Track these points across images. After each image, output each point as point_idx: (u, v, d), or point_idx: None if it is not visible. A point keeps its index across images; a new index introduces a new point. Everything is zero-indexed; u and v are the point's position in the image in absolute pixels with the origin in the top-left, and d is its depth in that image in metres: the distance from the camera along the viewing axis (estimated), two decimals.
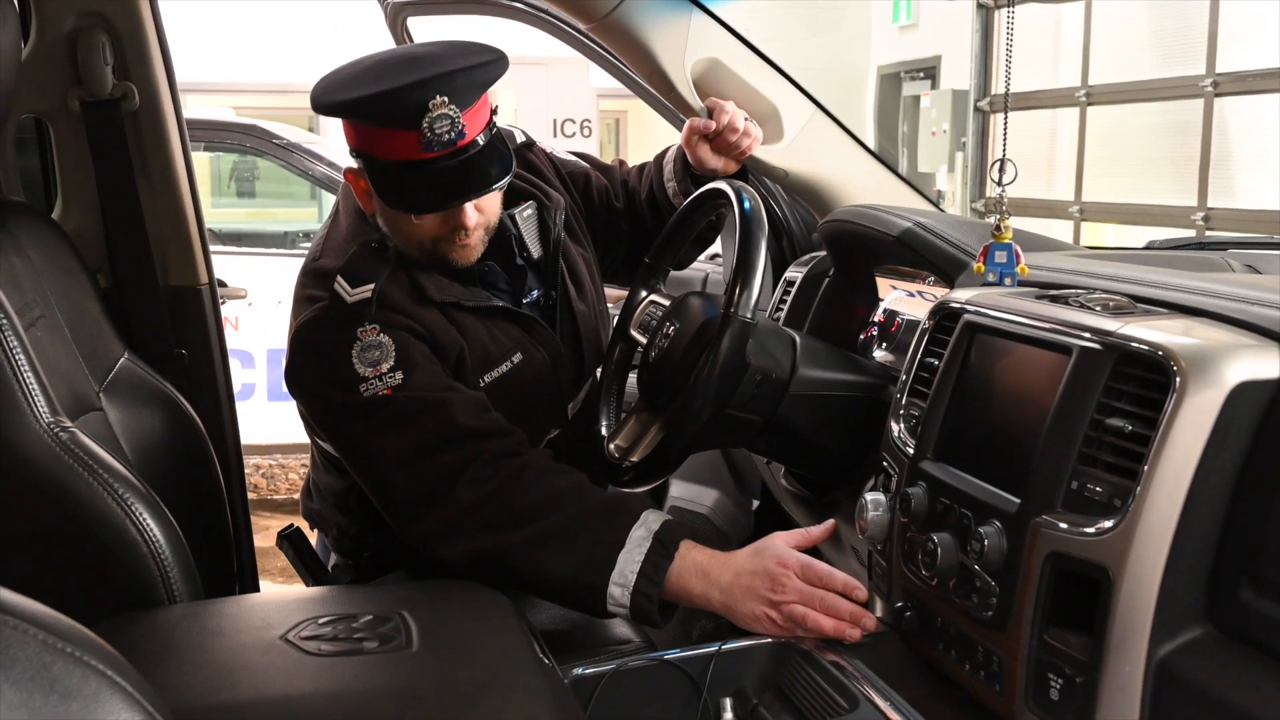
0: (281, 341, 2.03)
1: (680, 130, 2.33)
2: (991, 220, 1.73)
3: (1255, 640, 1.13)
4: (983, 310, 1.53)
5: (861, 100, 11.93)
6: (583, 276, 2.17)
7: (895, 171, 2.54)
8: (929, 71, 11.08)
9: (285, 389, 2.00)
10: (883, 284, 2.21)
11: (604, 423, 2.05)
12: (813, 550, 2.31)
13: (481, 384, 1.96)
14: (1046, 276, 1.70)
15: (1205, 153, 6.79)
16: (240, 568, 2.37)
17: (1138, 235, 7.12)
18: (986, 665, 1.38)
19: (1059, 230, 7.91)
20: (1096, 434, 1.26)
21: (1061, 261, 1.80)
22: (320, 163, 5.88)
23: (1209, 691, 1.14)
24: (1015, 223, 1.71)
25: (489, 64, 1.87)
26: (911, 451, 1.58)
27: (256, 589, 2.54)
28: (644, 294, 2.10)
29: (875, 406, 1.88)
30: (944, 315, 1.62)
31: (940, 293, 1.87)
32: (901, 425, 1.64)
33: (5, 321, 1.54)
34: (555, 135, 13.00)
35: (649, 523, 1.76)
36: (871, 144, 2.45)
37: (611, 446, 1.98)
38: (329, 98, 1.86)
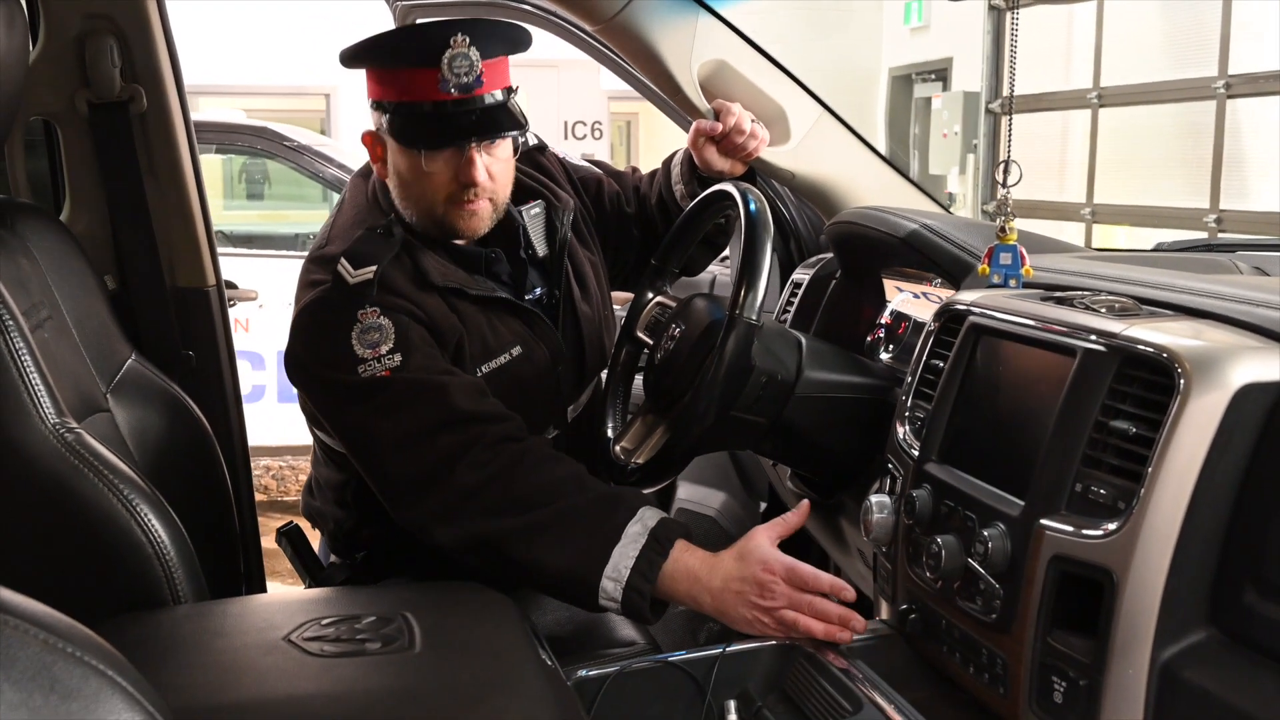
0: None
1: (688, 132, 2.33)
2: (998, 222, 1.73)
3: (1259, 644, 1.13)
4: (988, 312, 1.53)
5: (873, 102, 11.92)
6: (588, 279, 2.17)
7: (902, 173, 2.54)
8: (940, 73, 11.08)
9: (287, 377, 2.00)
10: (890, 286, 2.20)
11: (610, 424, 2.05)
12: (820, 553, 2.32)
13: (479, 373, 1.96)
14: (1051, 278, 1.69)
15: (1217, 155, 6.76)
16: (247, 569, 2.37)
17: (1150, 237, 7.10)
18: (990, 668, 1.38)
19: (1071, 232, 7.89)
20: (1101, 436, 1.26)
21: (1067, 263, 1.80)
22: (331, 165, 5.89)
23: (1213, 695, 1.13)
24: (1026, 225, 1.71)
25: (513, 25, 1.97)
26: (916, 454, 1.58)
27: (263, 590, 2.55)
28: (650, 296, 2.10)
29: (881, 408, 1.87)
30: (949, 317, 1.62)
31: (946, 294, 1.87)
32: (906, 427, 1.64)
33: (11, 323, 1.54)
34: (566, 137, 13.01)
35: (645, 519, 1.77)
36: (883, 146, 2.45)
37: (617, 448, 1.98)
38: (355, 48, 1.95)
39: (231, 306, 3.67)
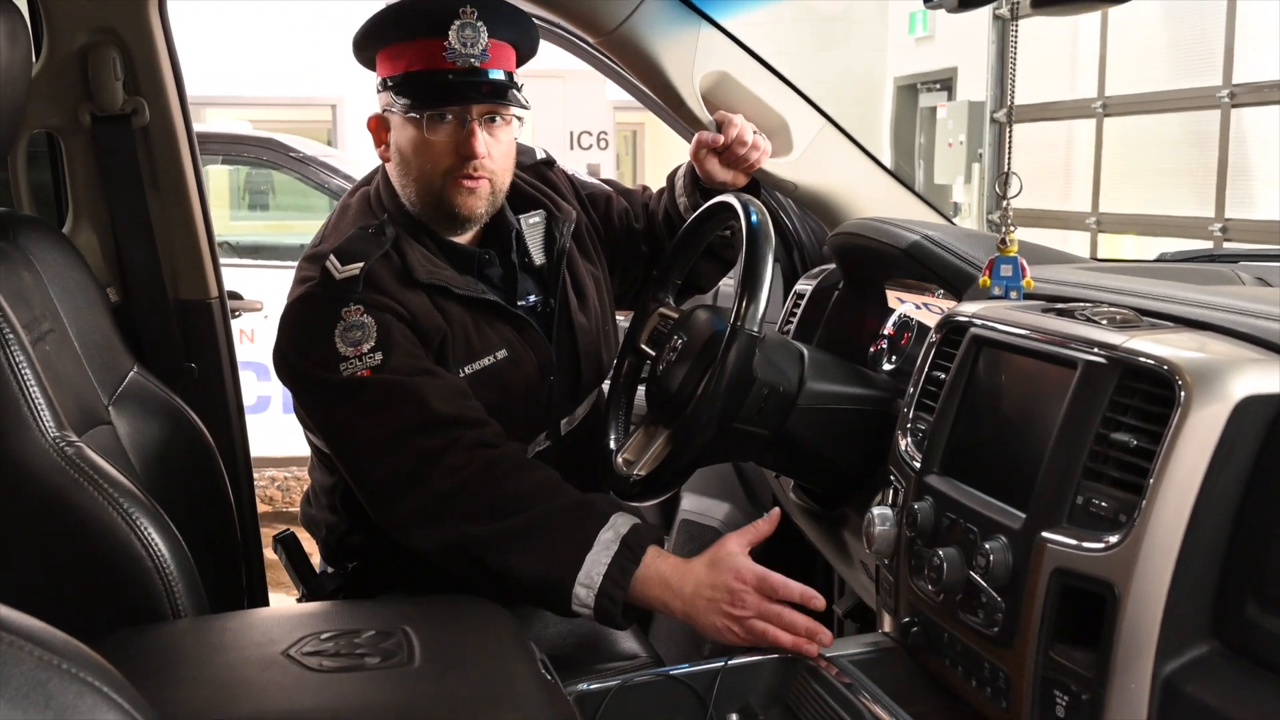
0: None
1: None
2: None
3: (1261, 657, 1.12)
4: (989, 324, 1.53)
5: (878, 111, 11.94)
6: (587, 291, 2.17)
7: (904, 183, 2.53)
8: (945, 83, 11.09)
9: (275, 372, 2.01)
10: (892, 296, 2.20)
11: (612, 436, 2.05)
12: (822, 562, 2.31)
13: (462, 374, 1.97)
14: (1053, 289, 1.69)
15: (1222, 164, 6.77)
16: (248, 581, 2.37)
17: (1155, 246, 7.10)
18: (993, 681, 1.37)
19: (1076, 241, 7.90)
20: (1102, 448, 1.26)
21: (1068, 274, 1.80)
22: (337, 176, 5.90)
23: (1215, 709, 1.13)
24: (1032, 234, 1.71)
25: (521, 12, 2.02)
26: (918, 465, 1.58)
27: (266, 603, 2.55)
28: (652, 307, 2.10)
29: (883, 420, 1.87)
30: (950, 329, 1.62)
31: (949, 305, 1.86)
32: (908, 439, 1.64)
33: (11, 336, 1.54)
34: (572, 148, 13.04)
35: (617, 526, 1.77)
36: (888, 155, 2.45)
37: (619, 460, 1.97)
38: (364, 26, 2.00)
39: (236, 317, 3.67)
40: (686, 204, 2.30)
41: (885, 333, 2.16)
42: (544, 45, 2.69)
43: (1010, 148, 1.80)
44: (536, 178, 2.22)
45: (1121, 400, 1.25)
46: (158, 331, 2.41)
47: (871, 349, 2.18)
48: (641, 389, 2.07)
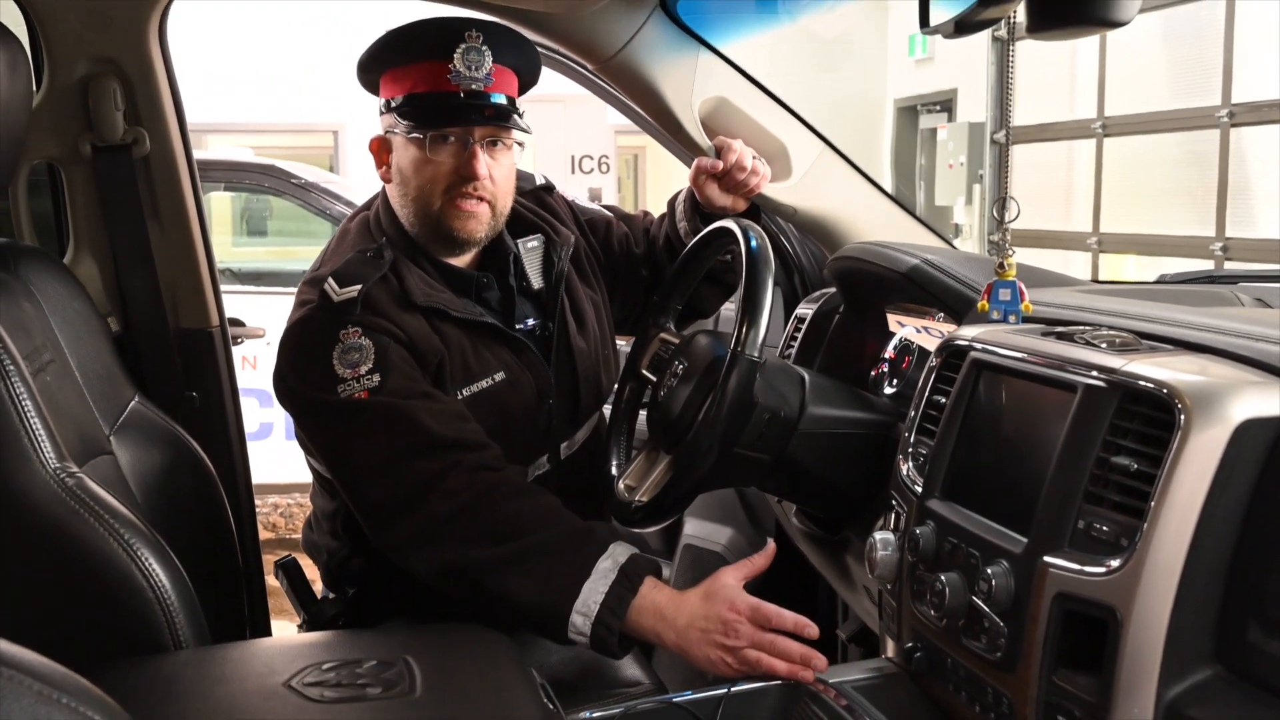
0: None
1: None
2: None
3: (1264, 681, 1.12)
4: (989, 348, 1.53)
5: (879, 133, 11.96)
6: (586, 315, 2.17)
7: (904, 207, 2.54)
8: (945, 104, 11.11)
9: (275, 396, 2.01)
10: (893, 320, 2.20)
11: (613, 461, 2.05)
12: (825, 587, 2.30)
13: (459, 396, 1.97)
14: (1052, 313, 1.69)
15: (1222, 183, 6.78)
16: (251, 610, 2.36)
17: (1157, 266, 7.10)
18: (996, 707, 1.37)
19: (1078, 262, 7.90)
20: (1102, 472, 1.25)
21: (1067, 297, 1.80)
22: (339, 202, 5.91)
23: None
24: (1033, 255, 1.71)
25: (525, 38, 2.04)
26: (919, 490, 1.57)
27: (268, 632, 2.54)
28: (653, 332, 2.10)
29: (885, 444, 1.86)
30: (951, 353, 1.62)
31: (949, 329, 1.86)
32: (910, 463, 1.63)
33: (12, 367, 1.54)
34: (573, 172, 13.05)
35: (616, 555, 1.78)
36: (888, 177, 2.45)
37: (621, 485, 1.97)
38: (370, 49, 2.01)
39: (238, 344, 3.67)
40: (686, 229, 2.31)
41: (886, 356, 2.16)
42: (544, 70, 2.71)
43: (1009, 169, 1.80)
44: (535, 203, 2.23)
45: (1121, 424, 1.25)
46: (159, 361, 2.41)
47: (872, 373, 2.18)
48: (643, 414, 2.07)
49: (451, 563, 1.81)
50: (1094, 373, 1.31)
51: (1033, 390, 1.42)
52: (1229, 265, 6.55)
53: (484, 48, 1.94)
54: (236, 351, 2.73)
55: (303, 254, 7.75)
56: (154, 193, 2.39)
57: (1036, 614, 1.28)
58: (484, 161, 1.96)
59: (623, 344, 2.30)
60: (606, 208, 2.44)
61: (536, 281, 2.14)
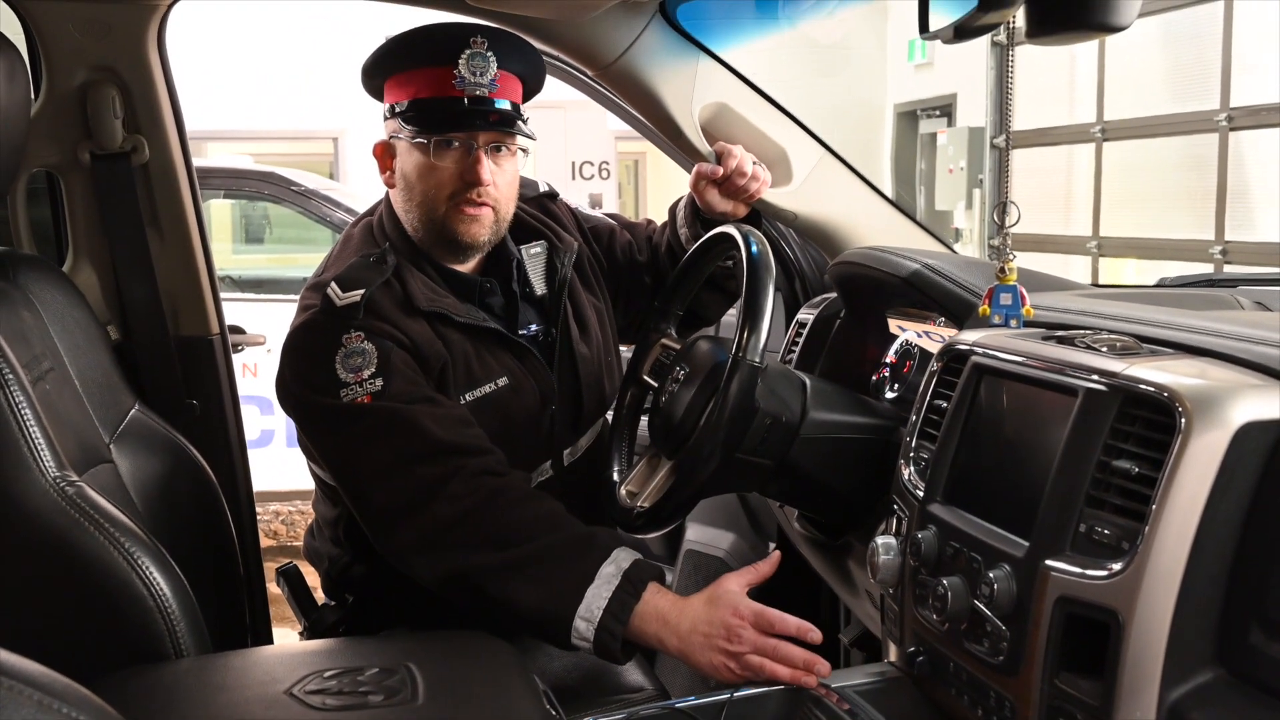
0: None
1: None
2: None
3: (1265, 684, 1.12)
4: (990, 352, 1.53)
5: (879, 138, 11.97)
6: (589, 322, 2.18)
7: (905, 212, 2.54)
8: (945, 109, 11.12)
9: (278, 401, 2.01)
10: (894, 325, 2.20)
11: (615, 467, 2.04)
12: (827, 592, 2.30)
13: (463, 401, 1.98)
14: (1053, 317, 1.69)
15: (1221, 187, 6.78)
16: (252, 618, 2.36)
17: (1157, 270, 7.11)
18: (999, 710, 1.37)
19: (1078, 266, 7.90)
20: (1104, 476, 1.25)
21: (1067, 301, 1.80)
22: (339, 209, 5.91)
23: None
24: (1033, 259, 1.71)
25: (530, 46, 2.05)
26: (921, 494, 1.57)
27: (269, 640, 2.54)
28: (654, 338, 2.10)
29: (886, 449, 1.86)
30: (952, 357, 1.62)
31: (950, 333, 1.86)
32: (911, 468, 1.63)
33: (11, 376, 1.54)
34: (574, 178, 13.04)
35: (619, 560, 1.78)
36: (888, 181, 2.45)
37: (623, 491, 1.97)
38: (374, 54, 2.02)
39: (239, 352, 3.67)
40: (687, 235, 2.31)
41: (887, 361, 2.16)
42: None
43: (1009, 174, 1.80)
44: (539, 209, 2.23)
45: (1122, 427, 1.25)
46: (158, 368, 2.41)
47: (874, 377, 2.18)
48: (644, 420, 2.07)
49: (454, 568, 1.81)
50: (1095, 376, 1.31)
51: (1034, 394, 1.42)
52: (1228, 269, 6.56)
53: (489, 54, 1.94)
54: (237, 359, 2.73)
55: (303, 261, 7.77)
56: (153, 200, 2.39)
57: (1038, 618, 1.28)
58: (488, 167, 1.96)
59: (626, 352, 2.30)
60: (609, 215, 2.44)
61: (539, 288, 2.14)
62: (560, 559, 1.78)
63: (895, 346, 2.15)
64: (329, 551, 2.17)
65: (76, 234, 2.37)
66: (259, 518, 2.88)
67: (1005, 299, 1.70)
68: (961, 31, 1.61)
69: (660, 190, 14.38)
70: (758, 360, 1.73)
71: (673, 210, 2.39)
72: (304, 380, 1.92)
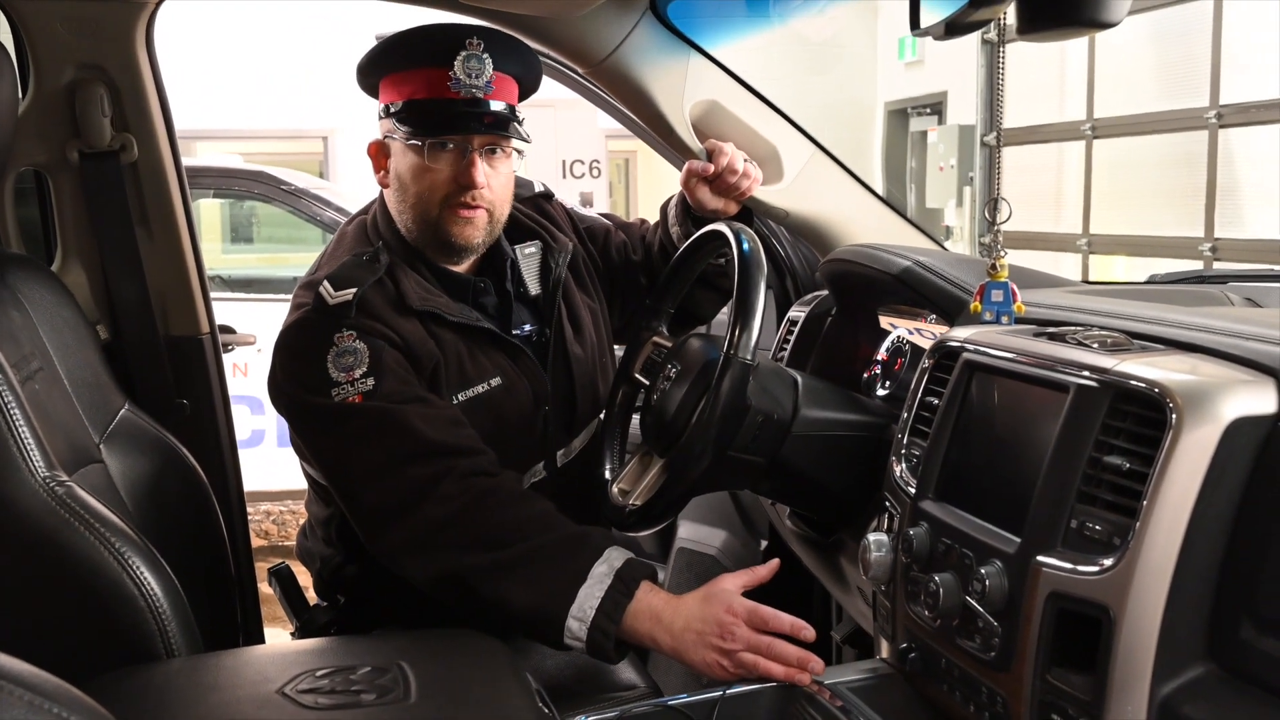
0: None
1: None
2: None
3: (1257, 678, 1.12)
4: (981, 349, 1.53)
5: (870, 136, 11.98)
6: (583, 322, 2.17)
7: (896, 209, 2.54)
8: (935, 107, 11.13)
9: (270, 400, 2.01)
10: (885, 322, 2.20)
11: (607, 465, 2.04)
12: (819, 589, 2.30)
13: (455, 401, 1.98)
14: (1044, 313, 1.69)
15: (1211, 184, 6.79)
16: (243, 617, 2.35)
17: (1147, 267, 7.12)
18: (991, 706, 1.37)
19: (1068, 263, 7.91)
20: (1095, 472, 1.25)
21: (1058, 298, 1.80)
22: (329, 208, 5.90)
23: None
24: (1024, 257, 1.71)
25: (527, 47, 2.05)
26: (913, 491, 1.57)
27: (261, 639, 2.53)
28: (646, 336, 2.10)
29: (878, 446, 1.87)
30: (943, 354, 1.62)
31: (941, 330, 1.86)
32: (903, 465, 1.63)
33: (0, 377, 1.54)
34: (564, 176, 13.05)
35: (611, 560, 1.78)
36: (879, 179, 2.45)
37: (614, 489, 1.97)
38: (370, 53, 2.01)
39: (229, 351, 3.66)
40: (679, 233, 2.30)
41: (879, 358, 2.16)
42: None
43: (1000, 171, 1.80)
44: (534, 210, 2.23)
45: (1113, 423, 1.25)
46: (148, 368, 2.40)
47: (865, 375, 2.18)
48: (636, 418, 2.06)
49: (446, 569, 1.81)
50: (1086, 373, 1.31)
51: (1025, 391, 1.42)
52: (1218, 265, 6.57)
53: (485, 55, 1.94)
54: (227, 358, 2.73)
55: (293, 260, 7.77)
56: (142, 199, 2.38)
57: (1030, 613, 1.28)
58: (482, 170, 1.96)
59: (621, 352, 2.29)
60: (604, 215, 2.44)
61: (534, 288, 2.14)
62: (552, 559, 1.78)
63: (887, 344, 2.15)
64: (321, 552, 2.16)
65: (65, 233, 2.36)
66: (250, 517, 2.87)
67: (996, 296, 1.70)
68: (952, 28, 1.61)
69: (651, 188, 14.38)
70: (749, 358, 1.73)
71: (664, 209, 2.38)
72: (296, 379, 1.92)
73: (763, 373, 1.82)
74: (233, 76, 11.31)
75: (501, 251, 2.10)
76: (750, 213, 2.37)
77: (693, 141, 2.34)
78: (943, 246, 2.61)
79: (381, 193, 2.08)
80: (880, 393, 2.11)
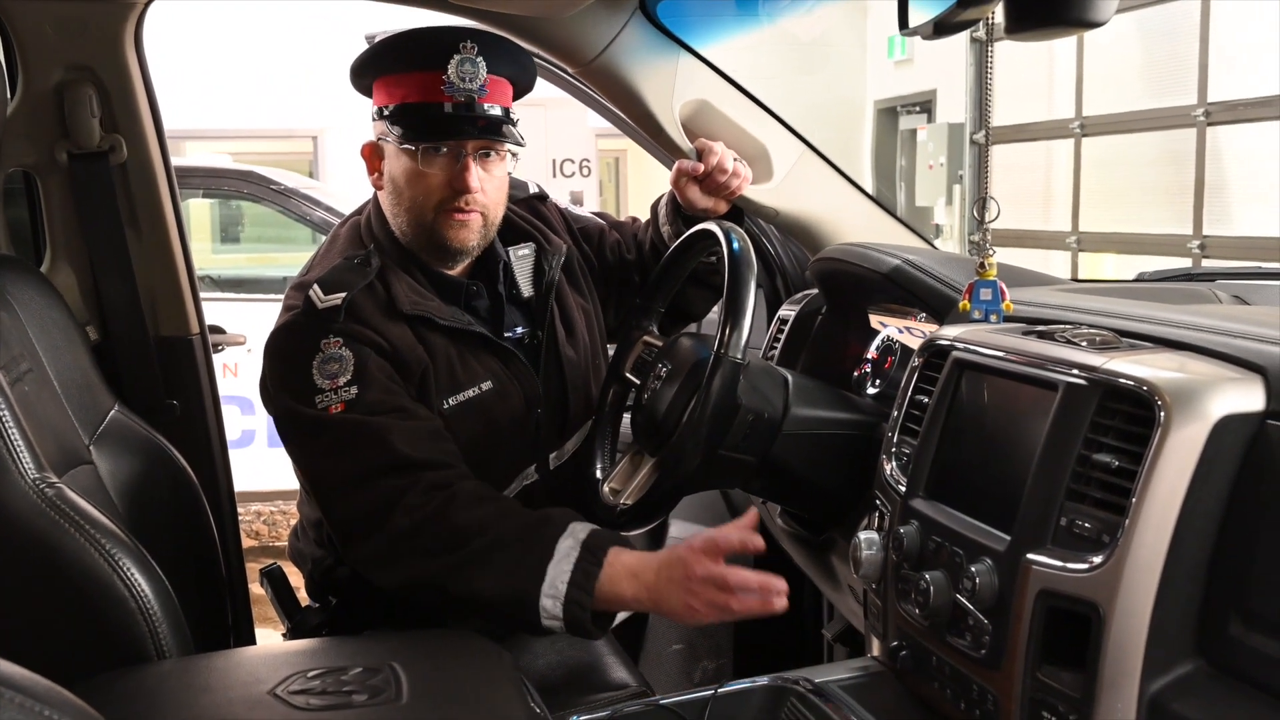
0: None
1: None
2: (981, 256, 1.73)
3: (1246, 675, 1.12)
4: (970, 347, 1.53)
5: (859, 134, 11.99)
6: (576, 324, 2.17)
7: (885, 208, 2.54)
8: (925, 105, 11.14)
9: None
10: (875, 320, 2.20)
11: (598, 465, 2.04)
12: (810, 587, 2.30)
13: (445, 406, 1.97)
14: (1033, 312, 1.70)
15: (1199, 181, 6.81)
16: (234, 618, 2.35)
17: (1135, 264, 7.13)
18: (981, 704, 1.37)
19: (1057, 261, 7.92)
20: (1084, 470, 1.26)
21: (1047, 296, 1.80)
22: (318, 208, 5.89)
23: None
24: (1013, 255, 1.72)
25: (521, 49, 2.04)
26: (903, 489, 1.58)
27: (252, 640, 2.53)
28: (636, 335, 2.10)
29: (869, 444, 1.87)
30: (933, 352, 1.62)
31: (931, 329, 1.87)
32: (893, 463, 1.64)
33: None
34: (555, 175, 13.04)
35: (576, 533, 1.78)
36: (869, 178, 2.46)
37: (605, 489, 1.97)
38: (363, 55, 2.00)
39: (219, 351, 3.66)
40: (669, 232, 2.30)
41: (869, 357, 2.16)
42: None
43: (989, 169, 1.81)
44: (528, 211, 2.22)
45: (1102, 421, 1.26)
46: (138, 369, 2.40)
47: (855, 373, 2.19)
48: (626, 417, 2.06)
49: (415, 576, 1.82)
50: (1075, 371, 1.31)
51: (1014, 389, 1.43)
52: (1206, 263, 6.58)
53: (478, 58, 1.94)
54: (217, 359, 2.72)
55: (283, 260, 7.75)
56: (132, 200, 2.37)
57: (1020, 611, 1.29)
58: (476, 174, 1.95)
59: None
60: (597, 214, 2.44)
61: (526, 290, 2.13)
62: (516, 544, 1.78)
63: (877, 342, 2.15)
64: (313, 553, 2.16)
65: (54, 234, 2.36)
66: (241, 518, 2.87)
67: (985, 294, 1.71)
68: (941, 27, 1.61)
69: (641, 188, 14.37)
70: (740, 357, 1.73)
71: (654, 208, 2.38)
72: (282, 384, 1.92)
73: (753, 371, 1.83)
74: (222, 76, 11.29)
75: (495, 254, 2.10)
76: (740, 212, 2.37)
77: (682, 141, 2.34)
78: (932, 245, 2.61)
79: (375, 194, 2.08)
80: (870, 391, 2.12)
